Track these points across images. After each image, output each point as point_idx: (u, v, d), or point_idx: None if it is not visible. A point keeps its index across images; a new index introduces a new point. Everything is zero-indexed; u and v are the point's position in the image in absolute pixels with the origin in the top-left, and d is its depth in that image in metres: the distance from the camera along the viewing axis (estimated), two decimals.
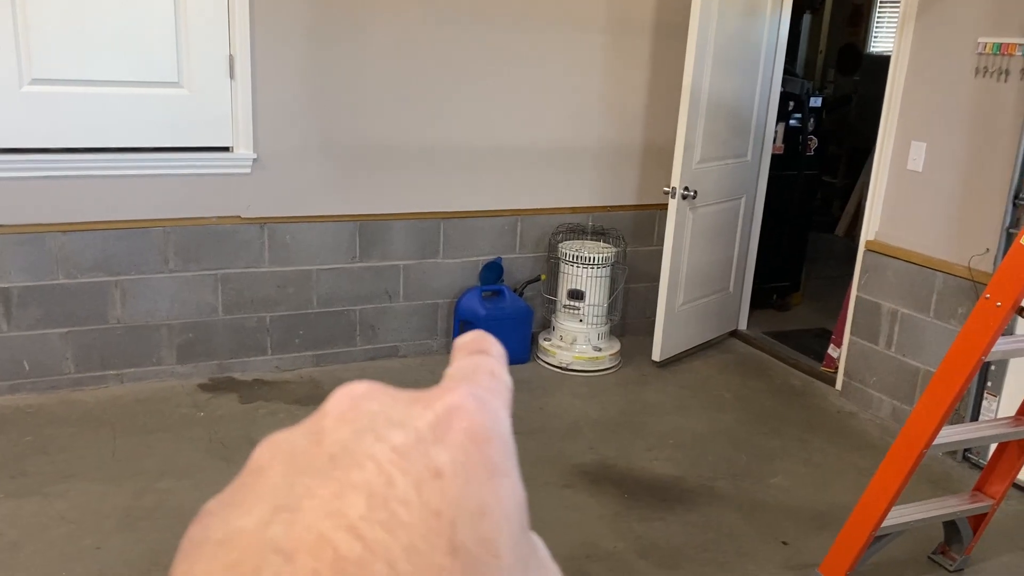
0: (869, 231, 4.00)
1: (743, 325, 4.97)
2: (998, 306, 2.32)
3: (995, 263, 3.34)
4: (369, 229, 4.10)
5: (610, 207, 4.59)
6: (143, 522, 2.83)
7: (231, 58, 3.67)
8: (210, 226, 3.82)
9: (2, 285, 3.55)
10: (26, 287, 3.58)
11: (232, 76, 3.69)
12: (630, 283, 4.64)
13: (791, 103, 5.12)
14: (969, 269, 3.53)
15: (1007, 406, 3.36)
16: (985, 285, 2.44)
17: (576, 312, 4.30)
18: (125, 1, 3.48)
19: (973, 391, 3.53)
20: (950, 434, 2.61)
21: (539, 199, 4.42)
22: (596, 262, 4.23)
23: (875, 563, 2.72)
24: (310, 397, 3.83)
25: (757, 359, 4.63)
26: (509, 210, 4.37)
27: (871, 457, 3.42)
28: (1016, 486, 3.27)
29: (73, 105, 3.49)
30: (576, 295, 4.28)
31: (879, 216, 3.96)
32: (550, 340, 4.37)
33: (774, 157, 4.89)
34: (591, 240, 4.40)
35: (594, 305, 4.28)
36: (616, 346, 4.39)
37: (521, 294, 4.40)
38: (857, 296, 4.07)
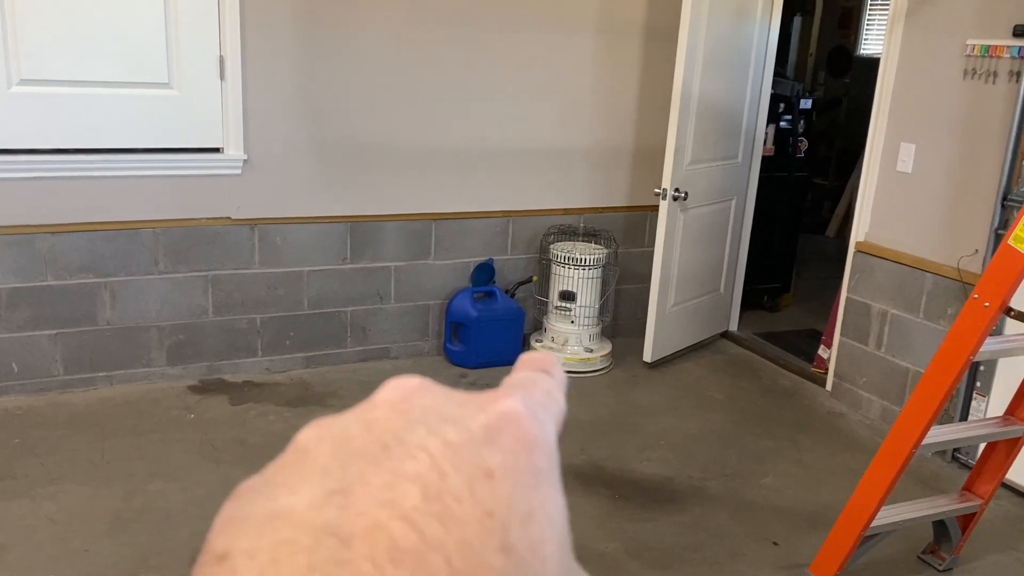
0: (859, 232, 4.02)
1: (734, 326, 4.98)
2: (986, 306, 2.33)
3: (983, 264, 3.36)
4: (360, 230, 4.10)
5: (601, 208, 4.59)
6: (133, 524, 2.82)
7: (221, 59, 3.66)
8: (200, 227, 3.80)
9: None
10: (15, 288, 3.56)
11: (222, 77, 3.68)
12: (621, 284, 4.64)
13: (781, 105, 5.14)
14: (958, 270, 3.55)
15: (996, 406, 3.38)
16: (973, 286, 2.45)
17: (568, 313, 4.30)
18: (115, 1, 3.47)
19: (962, 391, 3.55)
20: (939, 434, 2.63)
21: (530, 200, 4.42)
22: (587, 263, 4.24)
23: (865, 563, 2.73)
24: (301, 399, 3.82)
25: (748, 360, 4.64)
26: (500, 211, 4.37)
27: (861, 457, 3.43)
28: (1005, 485, 3.28)
29: (62, 106, 3.47)
30: (567, 296, 4.28)
31: (869, 217, 3.98)
32: (542, 341, 4.37)
33: (765, 159, 4.91)
34: (582, 241, 4.41)
35: (585, 306, 4.28)
36: (607, 347, 4.40)
37: (513, 295, 4.40)
38: (847, 297, 4.08)
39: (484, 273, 4.32)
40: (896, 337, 3.85)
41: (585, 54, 4.35)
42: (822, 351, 4.40)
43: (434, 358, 4.34)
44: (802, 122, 5.33)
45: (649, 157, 4.53)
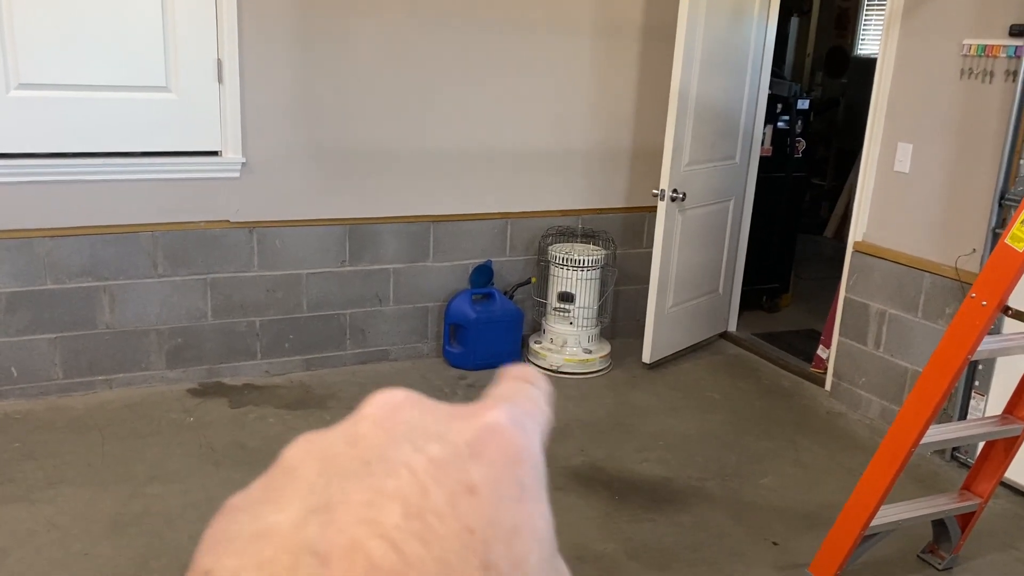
0: (857, 232, 4.02)
1: (732, 327, 4.99)
2: (984, 305, 2.33)
3: (981, 263, 3.36)
4: (358, 233, 4.10)
5: (599, 210, 4.60)
6: (132, 528, 2.82)
7: (219, 62, 3.66)
8: (199, 230, 3.81)
9: None
10: (14, 293, 3.56)
11: (220, 80, 3.68)
12: (620, 285, 4.65)
13: (779, 106, 5.14)
14: (956, 269, 3.56)
15: (995, 405, 3.38)
16: (971, 285, 2.45)
17: (566, 315, 4.30)
18: (113, 5, 3.47)
19: (961, 390, 3.55)
20: (938, 433, 2.63)
21: (529, 202, 4.43)
22: (586, 264, 4.24)
23: (864, 562, 2.73)
24: (300, 402, 3.82)
25: (746, 360, 4.65)
26: (499, 213, 4.38)
27: (860, 457, 3.43)
28: (1004, 484, 3.29)
29: (61, 110, 3.48)
30: (566, 298, 4.28)
31: (867, 217, 3.99)
32: (540, 343, 4.38)
33: (762, 159, 4.91)
34: (581, 243, 4.41)
35: (584, 307, 4.28)
36: (606, 348, 4.40)
37: (511, 297, 4.40)
38: (846, 297, 4.08)
39: (483, 275, 4.32)
40: (895, 337, 3.86)
41: (582, 56, 4.35)
42: (821, 351, 4.41)
43: (433, 360, 4.34)
44: (800, 122, 5.34)
45: (647, 158, 4.54)
